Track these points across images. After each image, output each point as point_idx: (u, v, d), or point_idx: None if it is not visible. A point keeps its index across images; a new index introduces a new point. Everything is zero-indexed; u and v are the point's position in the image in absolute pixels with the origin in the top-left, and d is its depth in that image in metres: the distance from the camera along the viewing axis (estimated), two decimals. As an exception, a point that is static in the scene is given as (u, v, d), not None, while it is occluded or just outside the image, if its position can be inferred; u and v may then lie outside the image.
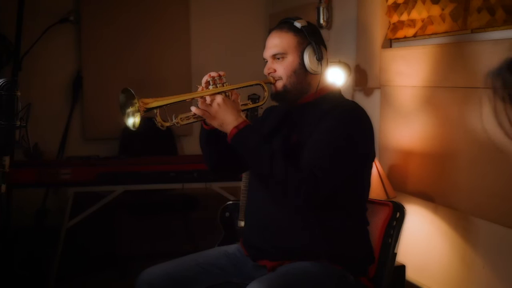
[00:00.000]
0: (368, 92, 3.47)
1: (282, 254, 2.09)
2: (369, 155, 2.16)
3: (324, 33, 3.86)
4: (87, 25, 4.41)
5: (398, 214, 2.21)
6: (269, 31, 2.21)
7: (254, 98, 2.87)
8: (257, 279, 1.91)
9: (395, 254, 2.17)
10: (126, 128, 4.65)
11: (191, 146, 4.63)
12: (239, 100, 2.08)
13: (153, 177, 3.52)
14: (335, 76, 3.27)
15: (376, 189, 2.85)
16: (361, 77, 3.46)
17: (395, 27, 3.12)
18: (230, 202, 3.10)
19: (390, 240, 2.18)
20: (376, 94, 3.39)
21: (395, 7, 3.08)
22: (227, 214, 3.09)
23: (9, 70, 4.07)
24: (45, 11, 4.27)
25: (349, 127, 2.05)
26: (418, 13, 2.89)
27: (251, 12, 4.85)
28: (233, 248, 2.30)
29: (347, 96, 3.48)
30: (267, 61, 2.17)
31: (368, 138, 2.12)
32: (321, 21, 3.82)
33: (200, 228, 4.13)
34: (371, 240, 2.23)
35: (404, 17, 3.00)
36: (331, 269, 2.04)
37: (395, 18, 3.09)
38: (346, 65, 3.34)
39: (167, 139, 4.55)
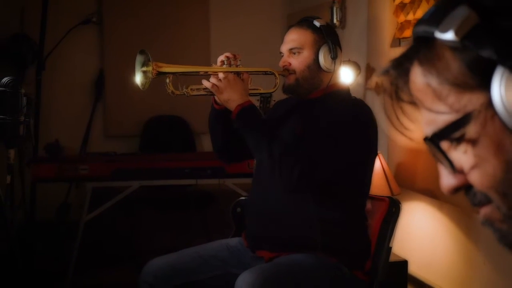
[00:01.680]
0: (378, 90, 3.51)
1: (279, 245, 2.16)
2: (370, 151, 2.22)
3: (337, 32, 3.93)
4: (109, 26, 4.54)
5: (394, 209, 2.26)
6: (288, 27, 2.30)
7: (266, 96, 2.94)
8: (250, 269, 2.00)
9: (390, 248, 2.22)
10: (147, 125, 4.79)
11: (210, 143, 4.71)
12: (249, 82, 2.18)
13: (168, 173, 3.61)
14: (344, 75, 3.32)
15: (380, 186, 2.90)
16: (372, 76, 3.51)
17: (402, 27, 3.16)
18: (242, 198, 3.17)
19: (385, 235, 2.23)
20: (386, 92, 3.42)
21: (402, 6, 3.12)
22: (238, 209, 3.15)
23: (33, 70, 4.23)
24: (68, 13, 4.40)
25: (352, 122, 2.12)
26: (423, 13, 2.93)
27: (269, 12, 4.92)
28: (235, 241, 2.39)
29: (359, 94, 3.54)
30: (283, 55, 2.26)
31: (370, 135, 2.18)
32: (335, 20, 3.86)
33: (214, 223, 4.22)
34: (369, 235, 2.28)
35: (410, 16, 3.04)
36: (326, 261, 2.10)
37: (402, 18, 3.13)
38: (356, 64, 3.39)
39: (186, 137, 4.64)
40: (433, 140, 0.66)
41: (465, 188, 0.68)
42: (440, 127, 0.65)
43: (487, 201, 0.67)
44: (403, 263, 2.90)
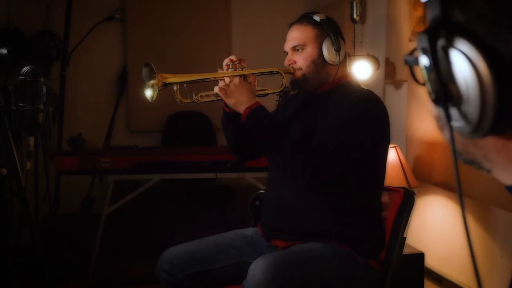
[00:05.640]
0: (397, 85, 3.52)
1: (294, 235, 2.19)
2: (381, 142, 2.22)
3: (357, 28, 3.94)
4: (132, 23, 4.61)
5: (408, 200, 2.27)
6: (289, 25, 2.32)
7: (284, 91, 2.96)
8: (263, 255, 2.03)
9: (404, 238, 2.23)
10: (169, 121, 4.84)
11: (231, 139, 4.74)
12: (256, 84, 2.21)
13: (188, 166, 3.66)
14: (362, 69, 3.33)
15: (397, 179, 2.90)
16: (391, 70, 3.51)
17: (421, 21, 3.16)
18: (261, 191, 3.19)
19: (399, 225, 2.24)
20: (405, 86, 3.43)
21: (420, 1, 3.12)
22: (257, 203, 3.17)
23: (58, 65, 4.32)
24: (92, 10, 4.48)
25: (360, 113, 2.13)
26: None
27: (290, 10, 4.92)
28: (250, 231, 2.42)
29: (378, 88, 3.55)
30: (287, 54, 2.29)
31: (380, 125, 2.19)
32: (355, 16, 3.87)
33: (234, 216, 4.25)
34: (384, 225, 2.29)
35: (428, 10, 3.04)
36: (339, 250, 2.12)
37: (420, 12, 3.14)
38: (374, 58, 3.40)
39: (207, 132, 4.69)
40: None
41: None
42: None
43: None
44: (420, 256, 2.90)
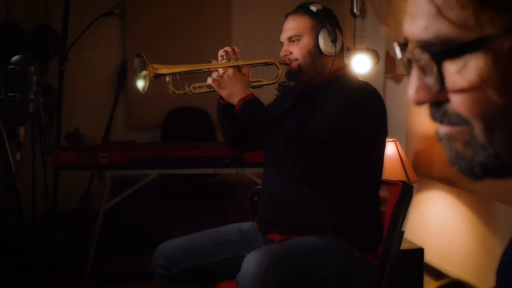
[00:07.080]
0: (397, 79, 3.48)
1: (290, 228, 2.16)
2: (378, 134, 2.19)
3: (358, 22, 3.90)
4: (132, 18, 4.57)
5: (406, 193, 2.23)
6: (286, 16, 2.29)
7: (284, 85, 2.93)
8: (258, 249, 1.99)
9: (402, 233, 2.20)
10: (168, 117, 4.80)
11: (231, 135, 4.71)
12: (250, 75, 2.17)
13: (186, 161, 3.61)
14: (362, 63, 3.30)
15: (397, 173, 2.87)
16: (391, 64, 3.48)
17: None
18: (259, 187, 3.16)
19: (397, 218, 2.21)
20: (405, 80, 3.39)
21: (421, -7, 3.08)
22: (255, 198, 3.15)
23: (56, 61, 4.29)
24: (91, 4, 4.43)
25: (356, 105, 2.10)
26: None
27: (291, 5, 4.88)
28: (247, 224, 2.39)
29: (378, 82, 3.51)
30: (283, 45, 2.25)
31: (376, 117, 2.15)
32: (355, 10, 3.83)
33: (233, 212, 4.22)
34: (382, 219, 2.26)
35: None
36: (336, 244, 2.09)
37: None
38: (374, 52, 3.36)
39: (207, 128, 4.66)
40: (435, 54, 0.53)
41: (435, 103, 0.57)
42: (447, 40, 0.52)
43: (459, 123, 0.55)
44: (419, 251, 2.86)
